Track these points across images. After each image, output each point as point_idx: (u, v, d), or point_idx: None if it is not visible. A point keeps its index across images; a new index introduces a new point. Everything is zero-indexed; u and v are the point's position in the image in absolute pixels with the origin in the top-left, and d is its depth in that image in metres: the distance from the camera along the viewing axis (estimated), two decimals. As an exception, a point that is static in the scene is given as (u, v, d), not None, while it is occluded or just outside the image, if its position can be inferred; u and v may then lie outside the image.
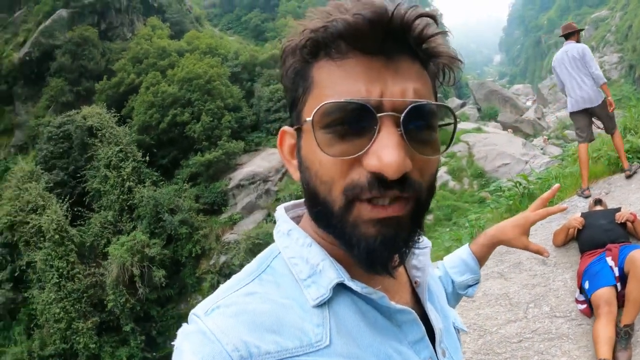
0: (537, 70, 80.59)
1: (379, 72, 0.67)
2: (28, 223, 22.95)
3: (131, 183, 25.36)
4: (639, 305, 3.74)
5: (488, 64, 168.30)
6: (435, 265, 1.35)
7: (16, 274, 23.62)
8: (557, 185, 1.30)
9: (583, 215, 4.85)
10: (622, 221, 4.52)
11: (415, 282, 0.87)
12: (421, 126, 0.68)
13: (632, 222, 4.51)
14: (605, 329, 3.65)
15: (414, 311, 0.78)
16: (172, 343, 0.69)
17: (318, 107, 0.65)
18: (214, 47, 33.44)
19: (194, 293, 24.18)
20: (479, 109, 43.87)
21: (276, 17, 48.38)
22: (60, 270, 22.18)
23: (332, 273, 0.73)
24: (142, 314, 23.09)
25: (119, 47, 33.52)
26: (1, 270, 23.84)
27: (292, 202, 0.89)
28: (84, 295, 22.52)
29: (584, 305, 4.09)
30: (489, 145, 28.16)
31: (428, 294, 0.88)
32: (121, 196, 25.32)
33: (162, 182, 26.91)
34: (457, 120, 0.74)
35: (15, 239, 23.38)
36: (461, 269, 1.31)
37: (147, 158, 26.54)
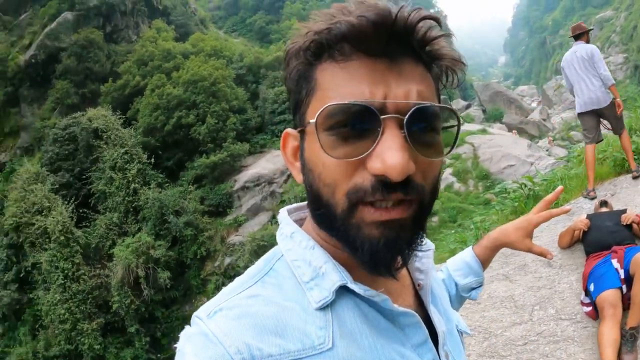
0: (542, 71, 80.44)
1: (383, 74, 0.67)
2: (34, 224, 23.06)
3: (136, 185, 25.44)
4: (645, 308, 3.72)
5: (493, 65, 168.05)
6: (439, 268, 1.34)
7: (21, 275, 23.74)
8: (560, 187, 1.29)
9: (588, 216, 4.82)
10: (628, 223, 4.50)
11: (419, 285, 0.87)
12: (424, 128, 0.68)
13: (638, 223, 4.48)
14: (610, 332, 3.62)
15: (417, 314, 0.77)
16: (175, 345, 0.69)
17: (322, 109, 0.65)
18: (219, 50, 33.54)
19: (199, 295, 24.21)
20: (484, 111, 43.82)
21: (281, 19, 48.52)
22: (66, 271, 22.27)
23: (334, 276, 0.72)
24: (146, 315, 23.14)
25: (124, 50, 33.66)
26: (7, 271, 23.96)
27: (295, 204, 0.89)
28: (89, 296, 22.61)
29: (590, 308, 4.07)
30: (494, 147, 28.09)
31: (431, 296, 0.88)
32: (126, 198, 25.40)
33: (167, 184, 26.99)
34: (461, 122, 0.74)
35: (20, 240, 23.50)
36: (465, 272, 1.31)
37: (152, 160, 26.63)
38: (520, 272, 4.94)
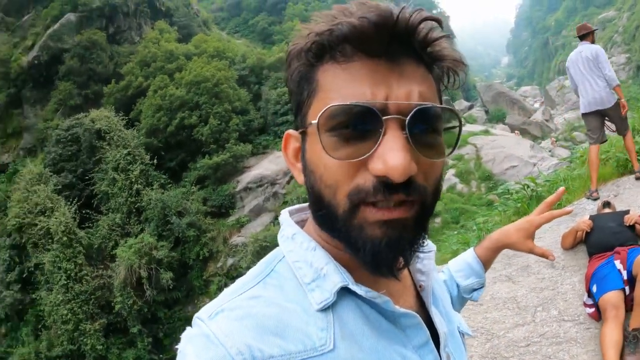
0: (544, 71, 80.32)
1: (384, 75, 0.67)
2: (36, 225, 23.13)
3: (139, 186, 25.49)
4: (647, 309, 3.70)
5: (496, 65, 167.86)
6: (441, 269, 1.34)
7: (24, 276, 23.82)
8: (562, 188, 1.29)
9: (591, 217, 4.81)
10: (631, 224, 4.48)
11: (420, 286, 0.87)
12: (426, 129, 0.68)
13: (641, 224, 4.47)
14: (612, 333, 3.61)
15: (418, 315, 0.77)
16: (176, 346, 0.69)
17: (323, 109, 0.65)
18: (222, 51, 33.59)
19: (202, 295, 24.23)
20: (486, 111, 43.75)
21: (283, 20, 48.54)
22: (68, 272, 22.33)
23: (336, 277, 0.72)
24: (149, 316, 23.18)
25: (127, 51, 33.74)
26: (9, 271, 24.03)
27: (297, 206, 0.89)
28: (92, 297, 22.66)
29: (592, 309, 4.05)
30: (497, 148, 28.06)
31: (432, 298, 0.88)
32: (129, 199, 25.46)
33: (170, 185, 27.03)
34: (463, 123, 0.73)
35: (23, 240, 23.57)
36: (466, 273, 1.31)
37: (155, 161, 26.69)
38: (523, 273, 4.93)
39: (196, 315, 0.72)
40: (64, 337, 21.82)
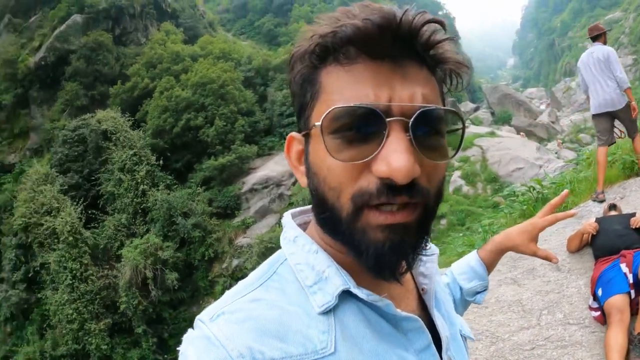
0: (550, 73, 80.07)
1: (387, 77, 0.67)
2: (42, 225, 23.22)
3: (145, 186, 25.56)
4: (653, 313, 3.68)
5: (502, 67, 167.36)
6: (444, 271, 1.34)
7: (30, 275, 23.90)
8: (565, 191, 1.29)
9: (597, 220, 4.79)
10: (637, 226, 4.46)
11: (422, 290, 0.87)
12: (429, 131, 0.68)
13: (648, 227, 4.45)
14: (617, 337, 3.59)
15: (420, 319, 0.77)
16: (178, 348, 0.69)
17: (327, 111, 0.65)
18: (228, 52, 33.65)
19: (207, 296, 24.26)
20: (492, 113, 43.64)
21: (289, 22, 48.62)
22: (74, 271, 22.41)
23: (337, 280, 0.72)
24: (154, 316, 23.23)
25: (133, 52, 33.86)
26: (15, 270, 24.14)
27: (299, 208, 0.89)
28: (97, 296, 22.73)
29: (598, 313, 4.03)
30: (503, 150, 27.98)
31: (435, 301, 0.88)
32: (135, 199, 25.53)
33: (175, 186, 27.09)
34: (466, 125, 0.73)
35: (29, 240, 23.67)
36: (469, 276, 1.31)
37: (161, 162, 26.76)
38: (528, 276, 4.91)
39: (198, 317, 0.72)
40: (68, 336, 21.88)
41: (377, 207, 0.66)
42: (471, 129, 33.67)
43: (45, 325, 23.13)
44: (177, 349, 0.69)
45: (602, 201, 5.96)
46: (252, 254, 23.23)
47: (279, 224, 25.16)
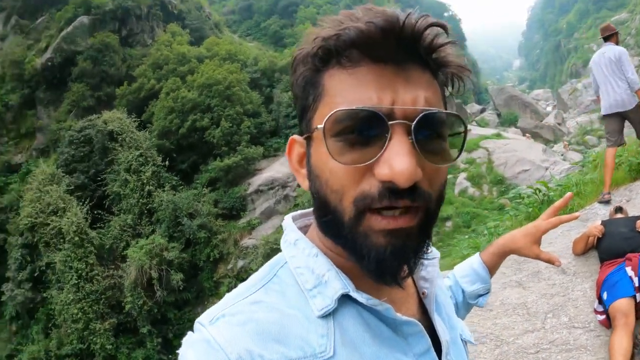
0: (557, 74, 79.66)
1: (390, 80, 0.67)
2: (48, 225, 23.29)
3: (151, 187, 25.60)
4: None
5: (508, 69, 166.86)
6: (447, 274, 1.34)
7: (36, 274, 23.95)
8: (569, 194, 1.28)
9: (603, 223, 4.77)
10: (643, 229, 4.44)
11: (423, 293, 0.87)
12: (432, 135, 0.68)
13: (654, 230, 4.42)
14: (621, 341, 3.56)
15: (420, 323, 0.77)
16: (178, 351, 0.70)
17: (330, 114, 0.66)
18: (234, 53, 33.65)
19: (212, 297, 24.26)
20: (498, 115, 43.56)
21: (295, 23, 48.64)
22: (79, 271, 22.47)
23: (337, 284, 0.72)
24: (159, 316, 23.26)
25: (139, 53, 33.93)
26: (21, 270, 24.20)
27: (300, 211, 0.89)
28: (102, 296, 22.77)
29: (603, 316, 4.00)
30: (509, 152, 27.90)
31: (435, 305, 0.88)
32: (141, 200, 25.57)
33: (181, 187, 27.11)
34: (468, 129, 0.73)
35: (35, 240, 23.73)
36: (472, 278, 1.31)
37: (167, 163, 26.78)
38: (533, 278, 4.89)
39: (197, 320, 0.72)
40: (73, 335, 21.93)
41: (379, 211, 0.66)
42: (477, 131, 33.58)
43: (50, 325, 23.19)
44: (177, 351, 0.70)
45: (608, 201, 5.93)
46: (257, 255, 23.21)
47: (284, 225, 25.56)
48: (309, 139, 0.73)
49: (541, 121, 39.72)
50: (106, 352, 21.69)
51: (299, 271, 0.76)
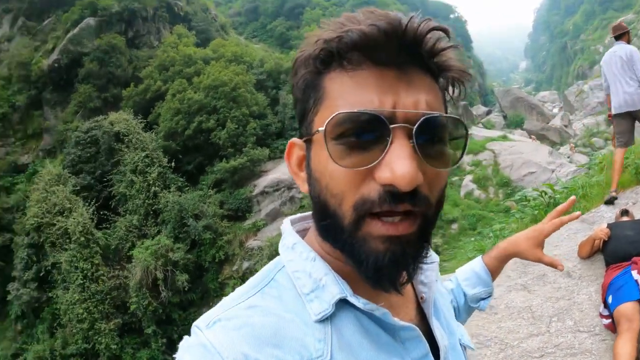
0: (563, 76, 79.29)
1: (392, 84, 0.67)
2: (54, 225, 23.38)
3: (156, 188, 25.65)
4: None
5: (514, 70, 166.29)
6: (448, 277, 1.33)
7: (41, 274, 24.04)
8: (573, 197, 1.28)
9: (609, 226, 4.73)
10: (649, 232, 4.41)
11: (421, 298, 0.87)
12: (432, 139, 0.68)
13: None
14: (625, 346, 3.53)
15: (417, 328, 0.77)
16: (174, 356, 0.70)
17: (331, 117, 0.65)
18: (240, 55, 33.70)
19: (217, 298, 24.23)
20: (504, 117, 43.48)
21: (301, 25, 48.65)
22: (85, 271, 22.54)
23: (334, 288, 0.72)
24: (164, 317, 23.29)
25: (145, 55, 34.03)
26: (27, 269, 24.29)
27: (299, 214, 0.88)
28: (108, 296, 22.84)
29: (609, 320, 3.97)
30: (515, 154, 27.86)
31: (434, 309, 0.88)
32: (146, 201, 25.63)
33: (187, 188, 27.16)
34: (469, 133, 0.73)
35: (41, 239, 23.83)
36: (473, 282, 1.30)
37: (173, 164, 26.83)
38: (538, 282, 4.86)
39: (194, 323, 0.72)
40: (78, 335, 22.01)
41: (379, 217, 0.65)
42: (483, 133, 33.53)
43: (55, 324, 23.27)
44: (174, 356, 0.69)
45: (614, 199, 5.88)
46: (262, 257, 23.22)
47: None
48: (308, 142, 0.73)
49: (547, 123, 39.63)
50: (111, 352, 21.75)
51: (296, 275, 0.75)
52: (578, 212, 1.28)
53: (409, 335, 0.76)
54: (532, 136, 34.76)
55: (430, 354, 0.79)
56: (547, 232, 1.24)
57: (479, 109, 47.65)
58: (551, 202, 7.37)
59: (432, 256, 0.90)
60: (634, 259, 4.15)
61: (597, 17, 73.75)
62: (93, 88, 31.41)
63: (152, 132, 28.18)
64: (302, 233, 0.83)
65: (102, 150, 27.61)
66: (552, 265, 1.23)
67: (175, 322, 23.64)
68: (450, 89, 0.75)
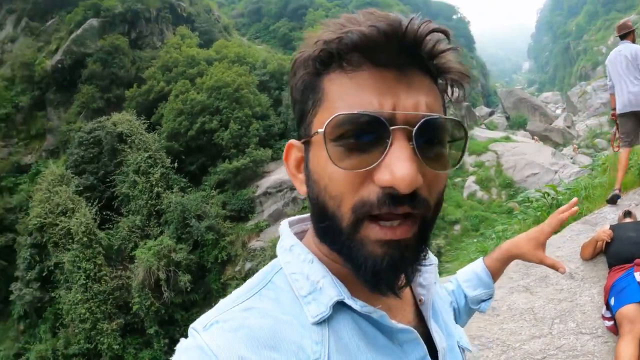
0: (566, 77, 79.08)
1: (392, 85, 0.66)
2: (57, 225, 23.42)
3: (159, 189, 25.69)
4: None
5: (517, 71, 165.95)
6: (449, 279, 1.33)
7: (44, 274, 24.07)
8: (574, 199, 1.28)
9: (612, 227, 4.71)
10: (653, 234, 4.39)
11: (420, 300, 0.87)
12: (432, 140, 0.67)
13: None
14: (627, 348, 3.51)
15: (415, 330, 0.77)
16: (171, 358, 0.69)
17: (330, 118, 0.65)
18: (242, 56, 33.73)
19: (219, 298, 23.68)
20: (507, 118, 43.44)
21: (304, 26, 48.66)
22: (88, 271, 22.58)
23: (332, 291, 0.72)
24: (166, 317, 23.31)
25: (148, 56, 34.09)
26: (30, 269, 24.33)
27: (298, 216, 0.88)
28: (110, 297, 22.87)
29: (611, 323, 3.95)
30: (518, 155, 27.83)
31: (432, 311, 0.87)
32: (149, 201, 25.66)
33: (189, 189, 27.18)
34: (468, 136, 0.73)
35: (44, 240, 23.87)
36: (474, 283, 1.30)
37: (176, 164, 26.86)
38: (541, 283, 4.85)
39: (191, 325, 0.72)
40: (81, 335, 22.04)
41: (378, 220, 0.65)
42: (486, 134, 33.51)
43: (58, 324, 23.30)
44: (170, 358, 0.69)
45: (617, 197, 5.86)
46: (265, 258, 23.20)
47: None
48: (307, 144, 0.73)
49: (550, 124, 39.58)
50: (113, 352, 21.77)
51: (294, 277, 0.75)
52: (576, 207, 1.28)
53: (407, 337, 0.76)
54: (535, 137, 34.70)
55: (429, 356, 0.78)
56: (548, 232, 1.25)
57: (481, 110, 47.60)
58: (554, 204, 7.35)
59: (431, 258, 0.90)
60: (637, 260, 4.13)
61: (600, 17, 73.60)
62: (96, 89, 31.49)
63: (155, 133, 28.23)
64: (300, 235, 0.83)
65: (105, 150, 27.65)
66: (554, 267, 1.22)
67: (178, 323, 23.65)
68: (450, 90, 0.74)
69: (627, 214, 5.01)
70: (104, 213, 25.08)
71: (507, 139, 31.38)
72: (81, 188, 25.83)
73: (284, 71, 33.67)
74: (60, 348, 22.40)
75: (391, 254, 0.66)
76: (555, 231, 1.26)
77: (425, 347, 0.78)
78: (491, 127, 39.47)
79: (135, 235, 25.20)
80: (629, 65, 5.90)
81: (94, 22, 33.19)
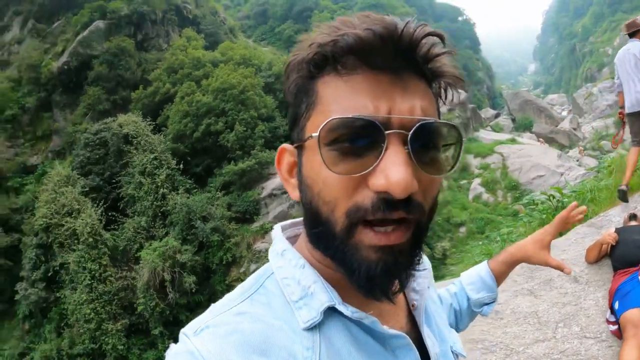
0: (572, 79, 78.87)
1: (387, 89, 0.66)
2: (63, 225, 23.50)
3: (165, 190, 25.73)
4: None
5: (522, 73, 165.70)
6: (452, 281, 1.32)
7: (49, 274, 24.16)
8: (574, 203, 1.27)
9: (617, 230, 4.67)
10: (658, 238, 4.35)
11: (413, 305, 0.86)
12: (428, 145, 0.67)
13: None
14: (630, 353, 3.47)
15: (407, 336, 0.76)
16: None
17: (325, 122, 0.64)
18: (248, 58, 33.77)
19: (223, 300, 24.22)
20: (513, 120, 43.29)
21: (309, 28, 48.13)
22: (93, 272, 22.63)
23: (323, 296, 0.71)
24: (171, 318, 23.33)
25: (154, 58, 34.18)
26: (35, 269, 24.43)
27: (290, 221, 0.88)
28: (115, 297, 22.91)
29: (615, 327, 3.91)
30: (524, 157, 27.72)
31: (425, 316, 0.87)
32: (155, 202, 25.70)
33: (195, 190, 27.22)
34: (463, 140, 0.72)
35: (50, 240, 23.96)
36: (478, 286, 1.29)
37: (181, 166, 26.91)
38: (545, 287, 4.82)
39: (182, 330, 0.71)
40: (85, 335, 22.09)
41: (372, 226, 0.64)
42: (492, 136, 33.41)
43: (62, 324, 23.37)
44: None
45: (624, 192, 5.80)
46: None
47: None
48: (300, 148, 0.72)
49: (556, 126, 39.40)
50: (117, 353, 21.81)
51: (285, 282, 0.74)
52: (575, 207, 1.28)
53: (399, 343, 0.75)
54: (541, 139, 34.57)
55: None
56: (552, 232, 1.24)
57: (487, 112, 47.50)
58: (559, 206, 7.31)
59: (425, 263, 0.89)
60: (642, 264, 4.10)
61: (606, 19, 73.34)
62: (102, 90, 31.61)
63: (160, 135, 28.29)
64: (293, 239, 0.82)
65: (110, 152, 27.74)
66: (559, 268, 1.22)
67: (182, 324, 23.28)
68: (444, 94, 0.74)
69: (633, 217, 4.96)
70: (110, 214, 25.14)
71: (513, 141, 31.28)
72: (87, 189, 25.91)
73: (289, 73, 33.66)
74: (64, 348, 22.46)
75: (385, 259, 0.65)
76: (561, 233, 1.26)
77: (417, 352, 0.77)
78: (497, 129, 39.35)
79: (141, 236, 25.25)
80: (637, 63, 5.83)
81: (100, 24, 33.33)
